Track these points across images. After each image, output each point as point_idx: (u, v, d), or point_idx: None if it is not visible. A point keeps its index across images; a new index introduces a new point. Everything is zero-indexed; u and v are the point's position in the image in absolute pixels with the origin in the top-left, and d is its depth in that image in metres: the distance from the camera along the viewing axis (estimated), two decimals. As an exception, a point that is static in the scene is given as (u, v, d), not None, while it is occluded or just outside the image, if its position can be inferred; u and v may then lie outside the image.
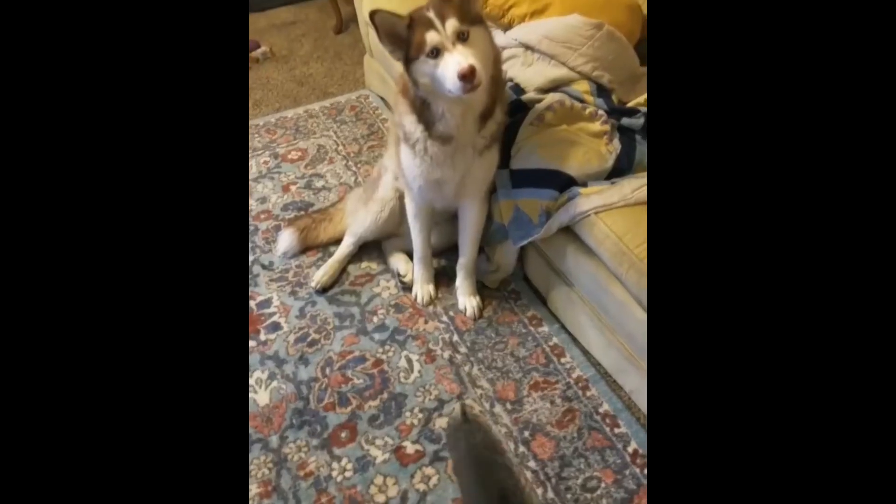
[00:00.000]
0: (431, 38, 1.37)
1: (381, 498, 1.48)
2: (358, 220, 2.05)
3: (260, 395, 1.73)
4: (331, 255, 2.10)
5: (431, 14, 1.38)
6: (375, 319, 1.92)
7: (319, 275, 2.02)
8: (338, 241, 2.12)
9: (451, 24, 1.37)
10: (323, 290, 2.01)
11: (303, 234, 2.14)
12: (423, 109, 1.53)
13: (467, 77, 1.34)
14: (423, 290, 1.96)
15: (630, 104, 1.84)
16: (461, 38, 1.38)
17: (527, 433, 1.59)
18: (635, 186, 1.52)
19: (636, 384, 1.59)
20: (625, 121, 1.74)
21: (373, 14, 1.41)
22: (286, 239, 2.13)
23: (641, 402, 1.61)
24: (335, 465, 1.55)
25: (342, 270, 2.08)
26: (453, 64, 1.35)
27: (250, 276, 2.09)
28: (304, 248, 2.15)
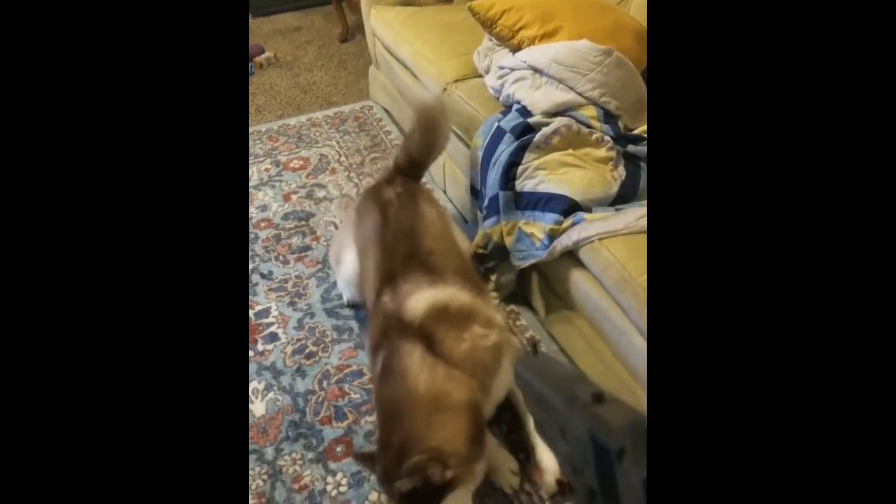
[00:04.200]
0: None
1: (375, 515, 1.49)
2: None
3: (256, 406, 1.73)
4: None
5: None
6: (374, 334, 1.92)
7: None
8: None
9: None
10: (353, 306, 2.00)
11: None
12: None
13: None
14: (422, 306, 1.95)
15: (636, 131, 1.86)
16: None
17: (521, 455, 1.60)
18: (640, 214, 1.52)
19: (633, 410, 1.59)
20: (631, 148, 1.76)
21: None
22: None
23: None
24: (330, 479, 1.55)
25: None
26: None
27: (249, 285, 2.09)
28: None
